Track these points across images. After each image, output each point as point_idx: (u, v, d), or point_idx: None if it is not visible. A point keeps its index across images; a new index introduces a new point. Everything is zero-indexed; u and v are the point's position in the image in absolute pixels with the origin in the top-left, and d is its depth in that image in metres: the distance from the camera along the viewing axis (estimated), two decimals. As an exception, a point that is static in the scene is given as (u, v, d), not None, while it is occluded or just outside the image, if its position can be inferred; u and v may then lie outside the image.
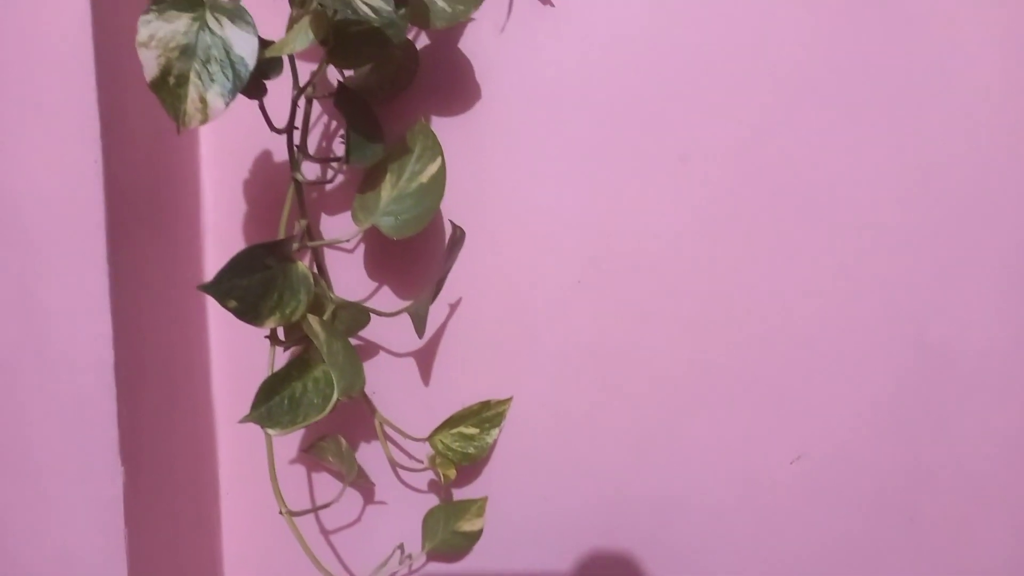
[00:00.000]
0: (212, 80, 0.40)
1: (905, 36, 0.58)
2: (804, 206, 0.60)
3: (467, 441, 0.55)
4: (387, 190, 0.52)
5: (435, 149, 0.52)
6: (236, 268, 0.45)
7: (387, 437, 0.58)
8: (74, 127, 0.46)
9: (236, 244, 0.60)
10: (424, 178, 0.52)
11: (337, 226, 0.60)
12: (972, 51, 0.58)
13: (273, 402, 0.48)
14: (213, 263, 0.60)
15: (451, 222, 0.52)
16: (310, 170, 0.57)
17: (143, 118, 0.50)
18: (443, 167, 0.52)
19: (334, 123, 0.59)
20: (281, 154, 0.58)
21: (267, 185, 0.59)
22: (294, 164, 0.51)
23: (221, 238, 0.60)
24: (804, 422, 0.61)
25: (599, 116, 0.59)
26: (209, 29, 0.41)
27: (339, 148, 0.59)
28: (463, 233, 0.52)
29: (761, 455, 0.62)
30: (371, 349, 0.61)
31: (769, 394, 0.61)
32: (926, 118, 0.59)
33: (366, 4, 0.41)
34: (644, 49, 0.59)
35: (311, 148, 0.56)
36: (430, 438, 0.56)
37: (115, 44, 0.47)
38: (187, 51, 0.40)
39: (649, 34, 0.59)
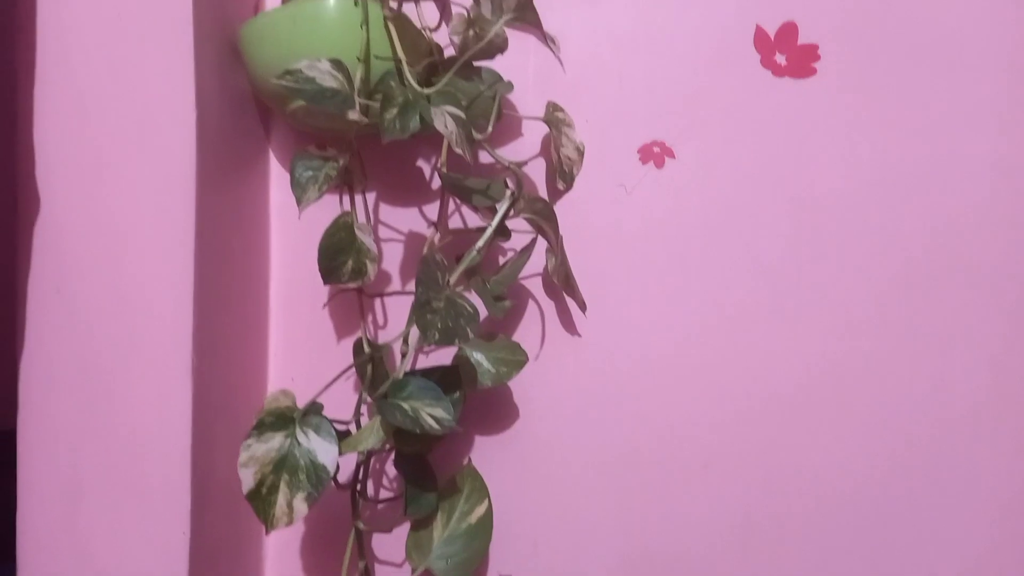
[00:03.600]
0: (299, 488, 0.47)
1: (910, 354, 0.65)
2: (823, 510, 0.64)
3: None
4: (439, 530, 0.57)
5: (482, 491, 0.58)
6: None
7: None
8: (168, 505, 0.52)
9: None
10: (473, 519, 0.57)
11: (389, 547, 0.64)
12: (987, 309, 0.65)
13: None
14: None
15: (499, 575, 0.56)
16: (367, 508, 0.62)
17: (227, 479, 0.56)
18: (490, 509, 0.57)
19: (390, 451, 0.65)
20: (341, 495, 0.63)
21: (327, 529, 0.64)
22: (356, 514, 0.56)
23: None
24: None
25: (626, 430, 0.66)
26: (298, 442, 0.48)
27: (391, 466, 0.65)
28: (510, 578, 0.56)
29: None
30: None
31: None
32: (928, 428, 0.64)
33: (431, 416, 0.48)
34: (666, 365, 0.66)
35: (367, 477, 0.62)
36: None
37: (208, 417, 0.54)
38: (279, 464, 0.47)
39: (668, 351, 0.66)
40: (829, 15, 0.65)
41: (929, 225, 0.65)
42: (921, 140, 0.65)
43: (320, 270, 0.51)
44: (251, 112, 0.63)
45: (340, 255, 0.51)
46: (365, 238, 0.52)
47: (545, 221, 0.57)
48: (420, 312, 0.47)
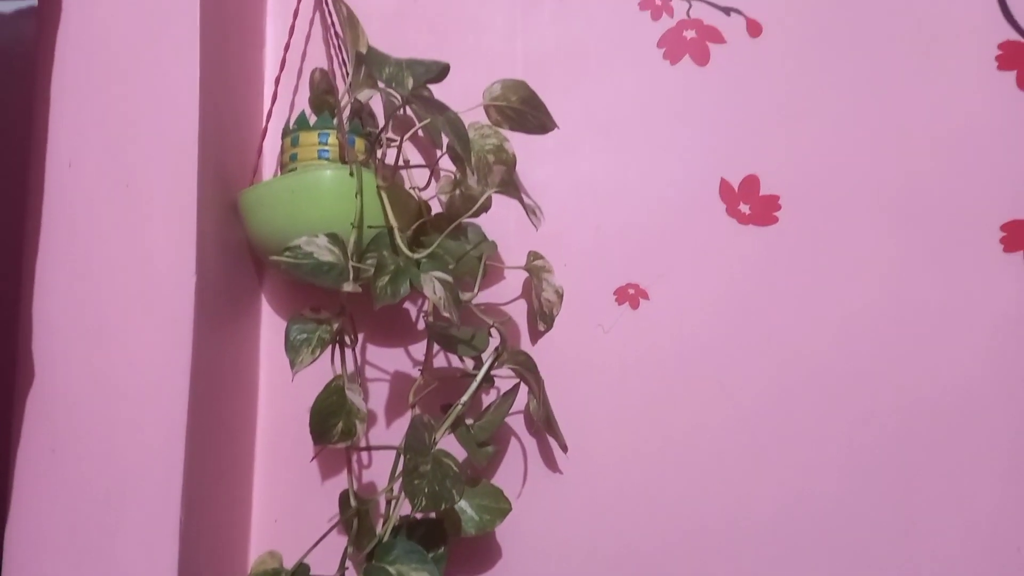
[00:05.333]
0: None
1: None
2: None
3: None
4: None
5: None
6: None
7: None
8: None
9: None
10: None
11: None
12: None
13: None
14: None
15: None
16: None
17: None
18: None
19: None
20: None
21: None
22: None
23: None
24: None
25: (609, 568, 0.67)
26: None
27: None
28: None
29: None
30: None
31: None
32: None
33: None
34: (646, 501, 0.68)
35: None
36: None
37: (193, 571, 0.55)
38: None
39: (647, 487, 0.68)
40: (788, 169, 0.71)
41: (891, 364, 0.69)
42: (877, 285, 0.70)
43: (311, 432, 0.53)
44: (246, 261, 0.66)
45: (331, 418, 0.53)
46: (355, 398, 0.54)
47: (527, 372, 0.60)
48: (408, 479, 0.49)
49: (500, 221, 0.68)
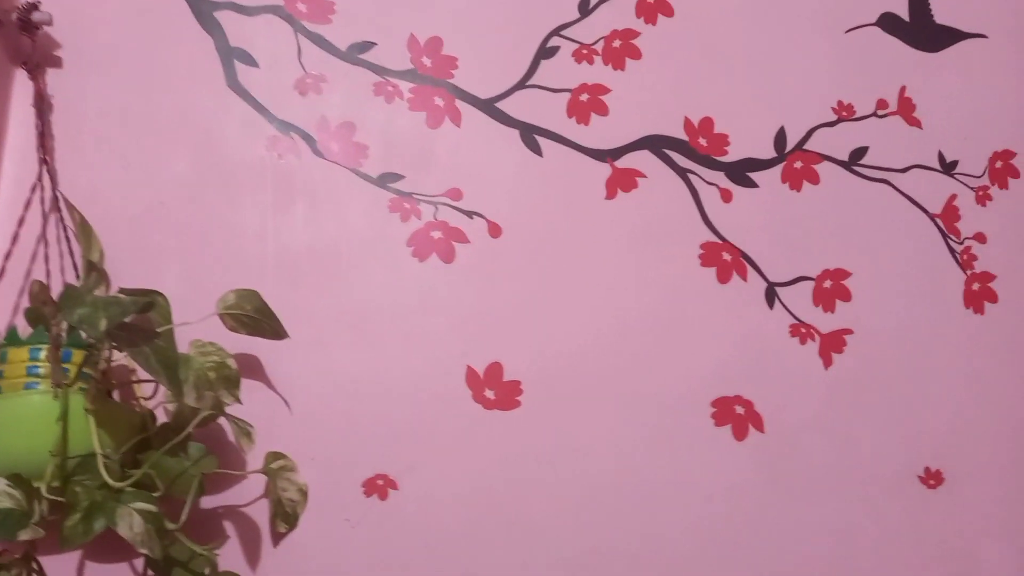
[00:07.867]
0: None
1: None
2: None
3: None
4: None
5: None
6: None
7: None
8: None
9: None
10: None
11: None
12: None
13: None
14: None
15: None
16: None
17: None
18: None
19: None
20: None
21: None
22: None
23: None
24: None
25: None
26: None
27: None
28: None
29: None
30: None
31: None
32: None
33: None
34: None
35: None
36: None
37: None
38: None
39: None
40: (528, 356, 0.78)
41: (626, 536, 0.75)
42: (611, 461, 0.77)
43: None
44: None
45: None
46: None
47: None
48: None
49: (244, 415, 0.68)
